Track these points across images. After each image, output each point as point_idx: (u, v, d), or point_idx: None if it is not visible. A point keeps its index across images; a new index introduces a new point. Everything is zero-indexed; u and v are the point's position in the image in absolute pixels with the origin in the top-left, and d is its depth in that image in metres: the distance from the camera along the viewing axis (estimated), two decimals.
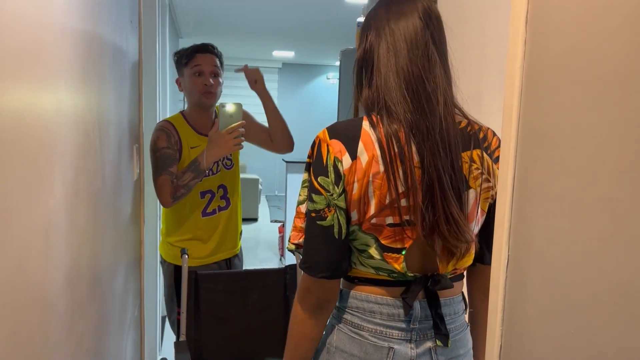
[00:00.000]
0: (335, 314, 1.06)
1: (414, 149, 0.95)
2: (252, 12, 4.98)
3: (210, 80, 1.94)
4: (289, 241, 1.05)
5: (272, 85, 8.79)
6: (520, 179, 0.83)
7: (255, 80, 2.03)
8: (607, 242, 0.56)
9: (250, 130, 2.03)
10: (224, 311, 1.83)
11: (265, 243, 5.85)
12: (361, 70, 1.04)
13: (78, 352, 0.96)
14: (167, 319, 2.30)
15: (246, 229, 6.42)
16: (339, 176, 0.96)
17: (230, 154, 2.02)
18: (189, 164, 1.85)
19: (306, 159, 1.02)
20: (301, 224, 1.03)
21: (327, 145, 0.98)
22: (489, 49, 1.54)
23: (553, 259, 0.71)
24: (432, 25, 1.00)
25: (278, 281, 1.91)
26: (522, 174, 0.83)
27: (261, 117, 2.16)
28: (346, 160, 0.96)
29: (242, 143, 1.87)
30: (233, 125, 1.80)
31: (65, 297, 0.88)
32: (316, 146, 1.00)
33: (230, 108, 1.80)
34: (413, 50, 0.98)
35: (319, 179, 0.97)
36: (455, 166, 0.96)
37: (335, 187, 0.96)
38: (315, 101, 8.77)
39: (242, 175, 2.25)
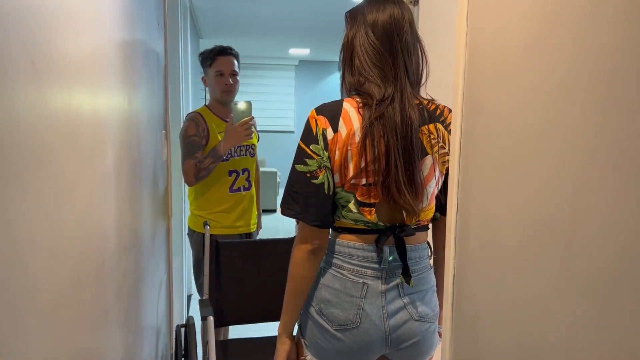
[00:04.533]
0: (324, 259, 1.30)
1: (380, 126, 1.19)
2: (269, 12, 5.18)
3: (230, 80, 2.33)
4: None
5: (289, 82, 9.00)
6: (465, 141, 1.04)
7: None
8: (525, 184, 0.69)
9: None
10: (241, 275, 2.10)
11: (283, 232, 6.08)
12: (344, 57, 1.28)
13: (124, 284, 1.24)
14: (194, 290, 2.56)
15: (265, 219, 6.64)
16: (326, 143, 1.20)
17: (253, 148, 2.43)
18: (209, 151, 2.19)
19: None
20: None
21: (316, 120, 1.22)
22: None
23: (485, 202, 0.87)
24: (401, 24, 1.24)
25: (287, 249, 2.15)
26: (465, 137, 1.03)
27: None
28: (329, 133, 1.21)
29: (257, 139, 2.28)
30: (244, 119, 2.17)
31: (115, 237, 1.15)
32: (307, 122, 1.24)
33: (242, 105, 2.18)
34: (381, 40, 1.22)
35: (311, 147, 1.21)
36: (412, 140, 1.20)
37: (325, 152, 1.20)
38: (331, 97, 8.78)
39: (261, 169, 2.61)
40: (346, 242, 1.25)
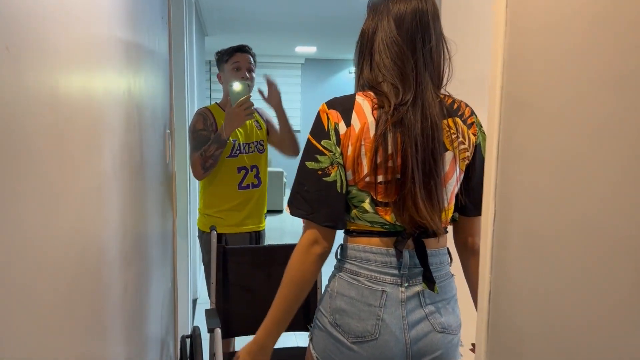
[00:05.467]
0: (337, 265, 1.22)
1: (398, 133, 1.12)
2: (275, 9, 5.13)
3: (246, 74, 2.31)
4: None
5: (295, 80, 8.94)
6: (504, 143, 0.94)
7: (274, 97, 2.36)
8: (584, 193, 0.64)
9: (271, 134, 2.43)
10: (250, 283, 2.00)
11: (290, 234, 6.03)
12: (362, 48, 1.21)
13: (126, 293, 1.14)
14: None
15: (272, 220, 6.59)
16: (338, 138, 1.14)
17: (262, 143, 2.38)
18: (213, 137, 2.16)
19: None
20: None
21: (327, 114, 1.16)
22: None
23: (530, 212, 0.80)
24: (427, 22, 1.16)
25: None
26: (505, 138, 0.94)
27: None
28: (342, 127, 1.14)
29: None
30: (242, 99, 2.10)
31: (117, 245, 1.05)
32: (317, 116, 1.17)
33: (237, 87, 2.13)
34: (404, 37, 1.15)
35: (322, 142, 1.14)
36: (433, 151, 1.13)
37: (337, 148, 1.14)
38: (338, 95, 8.85)
39: (267, 169, 2.53)
40: (362, 247, 1.17)
